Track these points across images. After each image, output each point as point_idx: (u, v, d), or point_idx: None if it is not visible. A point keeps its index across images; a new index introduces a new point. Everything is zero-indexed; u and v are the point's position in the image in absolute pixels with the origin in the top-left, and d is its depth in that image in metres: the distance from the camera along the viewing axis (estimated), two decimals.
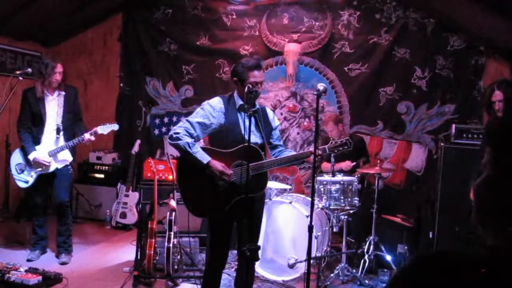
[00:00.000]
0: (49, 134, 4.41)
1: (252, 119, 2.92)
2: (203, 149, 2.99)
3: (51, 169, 4.43)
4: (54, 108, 4.42)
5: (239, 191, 2.89)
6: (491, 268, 0.87)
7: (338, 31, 5.93)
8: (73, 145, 4.44)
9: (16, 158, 4.46)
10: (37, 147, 4.38)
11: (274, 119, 3.31)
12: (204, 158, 2.92)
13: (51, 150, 4.38)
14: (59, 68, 4.31)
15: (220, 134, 3.07)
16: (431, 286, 0.88)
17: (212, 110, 3.05)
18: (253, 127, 3.01)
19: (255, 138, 3.04)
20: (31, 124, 4.39)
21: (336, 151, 3.10)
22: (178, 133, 2.95)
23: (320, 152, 3.04)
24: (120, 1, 6.42)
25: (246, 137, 2.83)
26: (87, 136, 4.36)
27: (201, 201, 3.05)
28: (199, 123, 3.01)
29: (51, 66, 4.25)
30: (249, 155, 2.79)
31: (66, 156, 4.48)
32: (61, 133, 4.44)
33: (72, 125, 4.55)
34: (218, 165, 2.93)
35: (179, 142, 2.93)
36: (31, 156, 4.30)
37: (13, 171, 4.43)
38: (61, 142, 4.43)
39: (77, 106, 4.66)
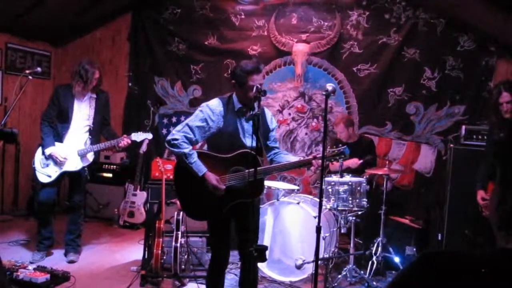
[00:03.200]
0: (75, 134, 4.47)
1: (251, 122, 2.94)
2: (202, 153, 3.00)
3: (77, 167, 4.47)
4: (84, 110, 4.49)
5: (236, 196, 2.93)
6: (497, 269, 0.85)
7: (347, 31, 5.90)
8: (104, 148, 4.53)
9: (41, 152, 4.50)
10: (59, 144, 4.43)
11: (272, 121, 3.29)
12: (200, 170, 2.93)
13: (81, 149, 4.44)
14: (96, 74, 4.42)
15: (218, 137, 3.06)
16: (438, 285, 0.87)
17: (211, 113, 3.03)
18: (251, 131, 3.00)
19: (252, 141, 3.02)
20: (57, 120, 4.47)
21: (332, 160, 3.13)
22: (176, 139, 2.95)
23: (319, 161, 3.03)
24: (129, 1, 6.44)
25: (244, 141, 2.92)
26: (123, 141, 4.42)
27: (197, 205, 3.07)
28: (198, 127, 3.00)
29: (91, 72, 4.36)
30: (247, 161, 2.82)
31: (90, 157, 4.54)
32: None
33: (100, 129, 4.61)
34: (212, 179, 2.93)
35: (176, 150, 2.94)
36: (47, 151, 4.35)
37: (37, 165, 4.45)
38: (92, 143, 4.51)
39: (107, 111, 4.73)
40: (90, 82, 4.38)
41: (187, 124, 3.00)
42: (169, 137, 2.98)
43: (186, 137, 2.96)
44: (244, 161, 2.88)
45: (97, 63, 4.54)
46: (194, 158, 2.94)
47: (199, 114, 3.04)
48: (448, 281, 0.86)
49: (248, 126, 3.05)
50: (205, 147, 3.23)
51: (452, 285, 0.85)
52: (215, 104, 3.08)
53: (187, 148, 2.94)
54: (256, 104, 3.05)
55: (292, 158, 3.21)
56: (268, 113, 3.29)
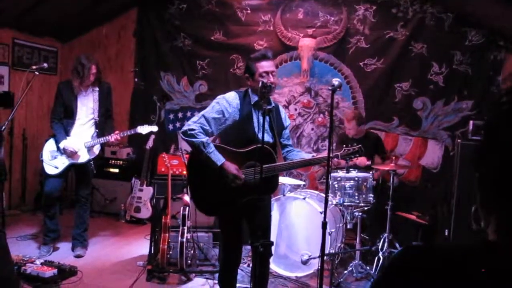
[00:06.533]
0: (80, 128, 4.52)
1: (266, 117, 2.88)
2: (216, 147, 2.96)
3: (84, 160, 4.52)
4: (88, 103, 4.53)
5: (250, 192, 2.90)
6: (478, 262, 0.85)
7: (354, 26, 5.86)
8: (103, 142, 4.57)
9: (51, 145, 4.54)
10: (68, 139, 4.48)
11: (286, 118, 3.28)
12: (218, 159, 2.88)
13: (87, 142, 4.49)
14: (93, 69, 4.43)
15: (232, 130, 3.03)
16: (421, 278, 0.87)
17: (228, 105, 2.99)
18: (266, 126, 2.97)
19: (267, 137, 2.98)
20: (63, 116, 4.51)
21: (348, 158, 3.15)
22: (193, 129, 2.88)
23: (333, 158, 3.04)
24: None
25: (260, 135, 2.82)
26: (113, 137, 4.47)
27: (211, 199, 3.04)
28: (214, 118, 2.95)
29: (87, 67, 4.37)
30: (263, 157, 2.77)
31: (96, 149, 4.60)
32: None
33: (105, 121, 4.65)
34: (232, 168, 2.89)
35: (193, 140, 2.87)
36: (61, 145, 4.41)
37: (45, 157, 4.51)
38: (98, 135, 4.57)
39: (109, 102, 4.75)
40: (87, 77, 4.39)
41: (203, 116, 2.95)
42: (185, 128, 2.92)
43: (202, 128, 2.90)
44: (259, 156, 2.82)
45: (94, 58, 4.54)
46: (212, 147, 2.89)
47: (216, 106, 2.99)
48: (430, 274, 0.86)
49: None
50: (217, 142, 3.20)
51: (433, 279, 0.86)
52: (232, 96, 3.05)
53: (204, 138, 2.89)
54: (272, 99, 3.07)
55: (306, 155, 3.17)
56: (283, 111, 3.28)
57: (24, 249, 4.55)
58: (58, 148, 4.46)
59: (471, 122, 4.76)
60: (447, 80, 5.63)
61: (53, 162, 4.49)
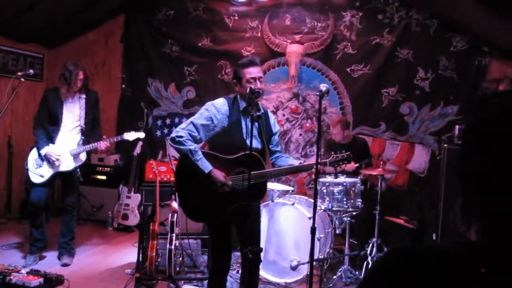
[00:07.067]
0: (66, 135, 4.47)
1: (255, 123, 2.89)
2: (205, 153, 2.96)
3: (70, 168, 4.47)
4: (74, 110, 4.49)
5: (239, 198, 2.89)
6: (461, 263, 0.87)
7: (341, 32, 5.91)
8: (89, 149, 4.55)
9: (36, 153, 4.48)
10: (52, 146, 4.43)
11: (275, 124, 3.28)
12: (206, 167, 2.89)
13: (73, 149, 4.45)
14: (80, 75, 4.40)
15: (221, 137, 3.03)
16: (407, 280, 0.88)
17: (216, 112, 3.00)
18: (255, 132, 2.98)
19: (256, 143, 2.98)
20: (48, 123, 4.47)
21: (336, 165, 3.17)
22: (181, 136, 2.89)
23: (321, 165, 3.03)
24: (122, 2, 6.41)
25: (248, 142, 2.81)
26: (100, 144, 4.46)
27: (200, 206, 3.04)
28: (203, 125, 2.96)
29: (74, 73, 4.34)
30: (251, 163, 2.76)
31: (82, 157, 4.56)
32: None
33: (91, 129, 4.61)
34: (219, 175, 2.90)
35: (181, 147, 2.89)
36: (43, 151, 4.36)
37: (30, 165, 4.45)
38: (84, 143, 4.53)
39: (97, 111, 4.72)
40: (74, 83, 4.36)
41: (191, 122, 2.96)
42: (173, 134, 2.93)
43: (190, 134, 2.91)
44: (247, 162, 2.83)
45: (81, 64, 4.52)
46: (200, 155, 2.90)
47: (204, 112, 3.00)
48: (416, 276, 0.88)
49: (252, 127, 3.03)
50: (206, 148, 3.20)
51: (417, 281, 0.87)
52: (221, 103, 3.05)
53: (192, 145, 2.89)
54: (259, 105, 3.07)
55: (294, 161, 3.18)
56: (272, 117, 3.28)
57: (10, 258, 4.48)
58: (39, 155, 4.41)
59: (457, 126, 4.81)
60: (433, 85, 5.70)
61: (38, 171, 4.43)
